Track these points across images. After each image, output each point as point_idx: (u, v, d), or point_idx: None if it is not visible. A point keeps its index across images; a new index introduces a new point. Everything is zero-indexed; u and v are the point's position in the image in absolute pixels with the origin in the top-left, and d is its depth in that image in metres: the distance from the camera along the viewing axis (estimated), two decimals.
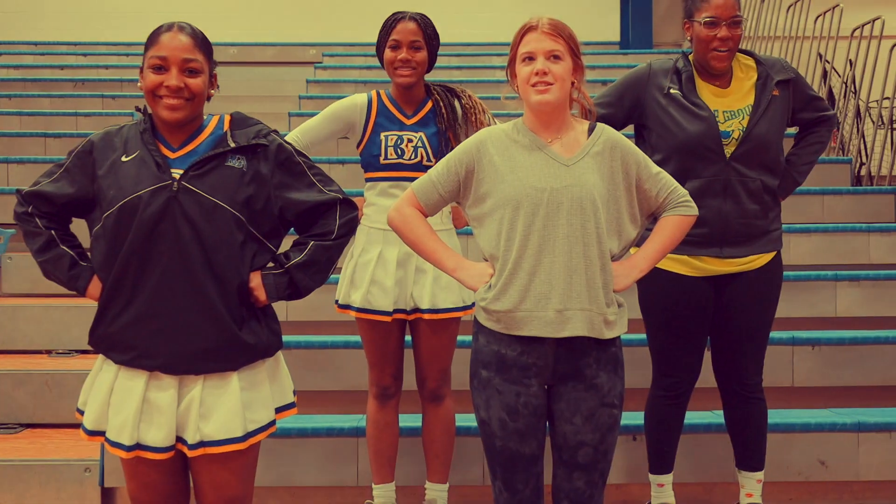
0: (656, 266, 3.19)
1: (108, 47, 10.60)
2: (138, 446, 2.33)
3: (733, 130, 3.19)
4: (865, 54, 7.17)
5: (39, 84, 8.97)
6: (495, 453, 2.52)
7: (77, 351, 4.77)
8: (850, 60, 7.41)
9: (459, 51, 9.86)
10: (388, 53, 3.29)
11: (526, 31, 2.52)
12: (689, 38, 3.28)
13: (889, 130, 6.85)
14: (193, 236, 2.30)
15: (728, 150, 3.19)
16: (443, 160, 2.61)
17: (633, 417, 3.55)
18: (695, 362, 3.30)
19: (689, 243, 3.17)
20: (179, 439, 2.34)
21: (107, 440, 2.36)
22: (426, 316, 3.26)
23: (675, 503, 3.39)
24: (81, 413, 2.42)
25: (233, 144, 2.37)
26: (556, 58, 2.47)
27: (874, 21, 7.13)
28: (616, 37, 11.41)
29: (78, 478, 3.62)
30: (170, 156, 2.38)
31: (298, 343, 4.19)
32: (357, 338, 3.97)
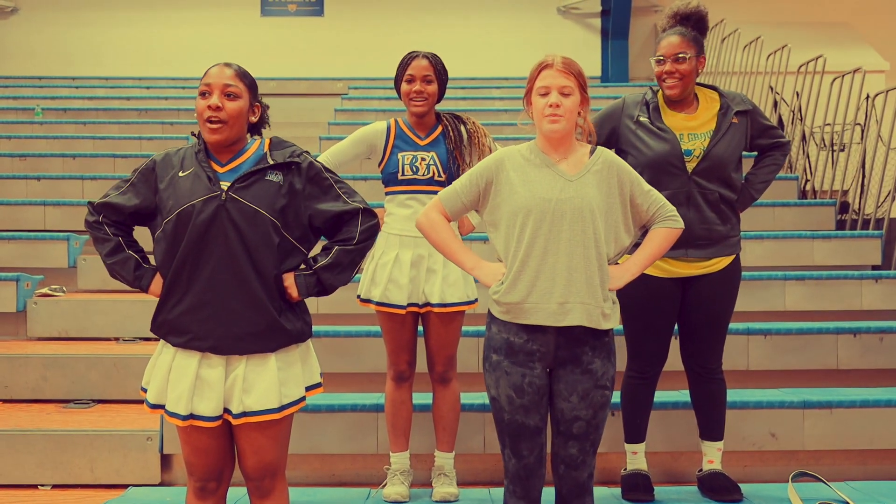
0: None
1: (166, 81, 10.65)
2: (192, 416, 2.33)
3: (695, 149, 3.20)
4: (810, 87, 7.16)
5: (109, 113, 9.01)
6: (504, 425, 2.50)
7: (140, 338, 4.79)
8: (797, 92, 7.40)
9: (465, 84, 9.87)
10: (404, 86, 3.29)
11: (543, 67, 2.51)
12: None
13: (830, 152, 6.83)
14: (238, 238, 2.31)
15: (690, 166, 3.19)
16: (466, 174, 2.60)
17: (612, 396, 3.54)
18: (662, 349, 3.29)
19: (671, 253, 3.16)
20: (226, 410, 2.35)
21: (166, 412, 2.37)
22: (436, 309, 3.25)
23: (647, 468, 3.38)
24: (144, 391, 2.43)
25: (271, 162, 2.38)
26: (567, 93, 2.47)
27: (817, 59, 7.12)
28: (598, 72, 11.42)
29: (141, 445, 3.62)
30: (219, 170, 2.39)
31: (327, 332, 4.18)
32: (375, 328, 3.98)
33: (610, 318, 2.50)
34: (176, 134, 7.96)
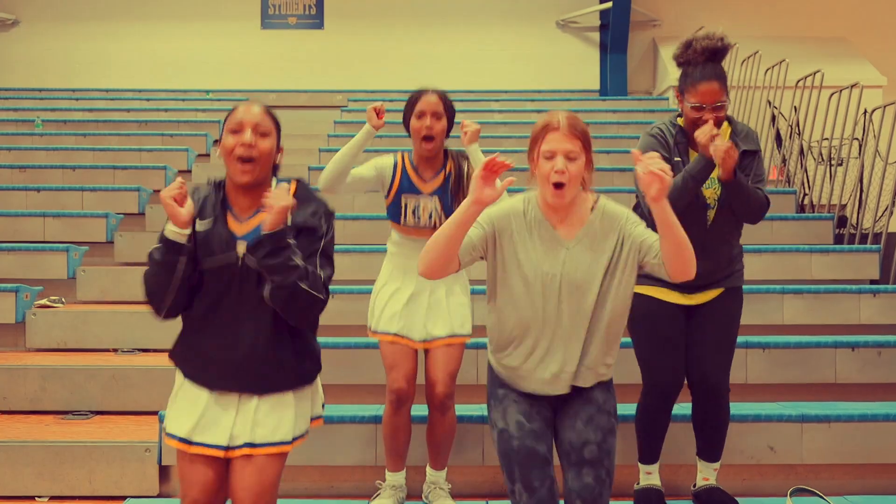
0: (639, 292, 3.15)
1: (166, 93, 10.66)
2: (199, 444, 2.33)
3: (709, 197, 3.11)
4: (808, 102, 7.19)
5: (109, 124, 9.03)
6: (513, 454, 2.44)
7: (139, 349, 4.78)
8: (795, 107, 7.44)
9: (464, 97, 9.90)
10: (414, 122, 3.30)
11: (548, 130, 2.42)
12: (678, 106, 3.17)
13: (828, 166, 6.86)
14: (254, 301, 2.30)
15: (709, 216, 3.12)
16: (474, 224, 2.45)
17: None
18: (679, 373, 3.23)
19: (669, 285, 3.12)
20: (232, 448, 2.34)
21: (166, 433, 2.37)
22: (445, 341, 3.27)
23: (661, 485, 3.35)
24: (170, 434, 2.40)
25: (289, 223, 2.29)
26: (573, 158, 2.41)
27: (815, 73, 7.17)
28: (596, 86, 11.45)
29: (139, 457, 3.62)
30: (236, 231, 2.33)
31: (326, 344, 4.11)
32: (375, 339, 3.98)
33: (602, 378, 2.51)
34: (175, 146, 7.98)
